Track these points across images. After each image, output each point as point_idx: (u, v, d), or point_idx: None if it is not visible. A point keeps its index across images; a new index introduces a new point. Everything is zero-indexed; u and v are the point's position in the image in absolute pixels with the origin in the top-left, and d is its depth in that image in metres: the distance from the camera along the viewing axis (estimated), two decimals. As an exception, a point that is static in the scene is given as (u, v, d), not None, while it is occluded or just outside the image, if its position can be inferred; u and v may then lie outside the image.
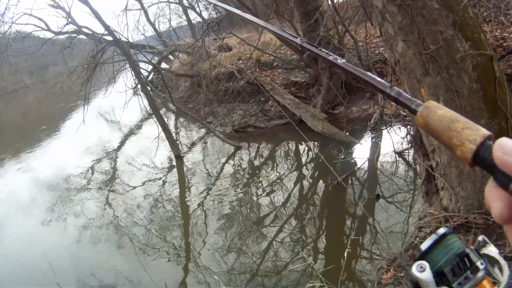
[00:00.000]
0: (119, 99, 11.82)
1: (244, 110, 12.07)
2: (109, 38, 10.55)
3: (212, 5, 20.84)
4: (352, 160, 7.83)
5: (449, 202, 3.70)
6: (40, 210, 8.97)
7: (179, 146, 10.92)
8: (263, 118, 11.42)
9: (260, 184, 8.45)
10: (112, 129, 15.41)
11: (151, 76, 17.74)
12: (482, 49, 3.20)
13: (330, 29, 9.67)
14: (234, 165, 9.65)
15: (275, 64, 12.72)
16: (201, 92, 12.56)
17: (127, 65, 11.30)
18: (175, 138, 11.06)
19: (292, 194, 7.62)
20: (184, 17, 25.07)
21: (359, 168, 7.60)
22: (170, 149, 10.25)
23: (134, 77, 10.81)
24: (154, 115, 10.38)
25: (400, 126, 8.23)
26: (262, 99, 11.93)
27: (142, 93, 11.01)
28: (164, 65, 20.05)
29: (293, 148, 10.34)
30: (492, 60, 3.26)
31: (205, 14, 22.50)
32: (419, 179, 5.71)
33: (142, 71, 12.35)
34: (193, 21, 24.65)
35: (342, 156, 7.44)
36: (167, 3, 23.37)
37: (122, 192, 9.17)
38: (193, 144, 11.86)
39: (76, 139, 13.11)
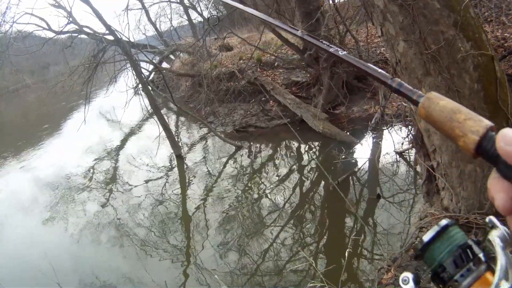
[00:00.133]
0: (120, 99, 11.82)
1: (245, 110, 12.07)
2: (110, 37, 10.55)
3: (212, 4, 20.85)
4: (353, 160, 7.83)
5: (450, 202, 3.69)
6: (41, 209, 8.98)
7: (180, 145, 10.92)
8: (264, 118, 11.42)
9: (260, 184, 8.45)
10: (113, 129, 15.41)
11: (152, 75, 17.76)
12: (483, 49, 3.20)
13: (331, 29, 9.67)
14: (235, 165, 9.65)
15: (276, 64, 12.71)
16: (202, 91, 12.55)
17: (128, 65, 11.30)
18: (176, 137, 11.06)
19: (292, 194, 7.62)
20: (185, 16, 25.12)
21: (360, 168, 7.60)
22: (171, 149, 10.25)
23: (135, 77, 10.81)
24: (155, 115, 10.38)
25: (401, 126, 8.22)
26: (263, 99, 11.92)
27: (143, 93, 11.01)
28: (165, 64, 20.03)
29: (294, 148, 10.33)
30: (493, 60, 3.26)
31: (206, 14, 22.50)
32: (419, 179, 5.71)
33: (143, 70, 12.38)
34: (194, 21, 24.68)
35: (343, 156, 7.43)
36: (168, 2, 23.43)
37: (123, 192, 9.17)
38: (194, 144, 11.87)
39: (77, 138, 13.11)
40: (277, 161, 9.62)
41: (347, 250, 3.99)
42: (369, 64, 0.73)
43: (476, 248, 0.67)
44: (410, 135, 7.38)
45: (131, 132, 14.53)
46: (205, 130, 12.01)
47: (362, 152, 8.48)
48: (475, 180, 3.46)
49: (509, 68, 7.50)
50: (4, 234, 8.39)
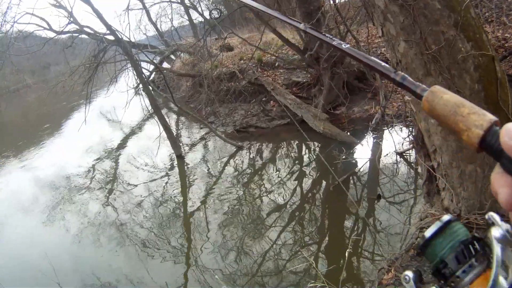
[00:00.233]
0: (121, 99, 11.83)
1: (246, 110, 12.07)
2: (111, 37, 10.55)
3: (213, 5, 20.87)
4: (354, 161, 7.82)
5: (450, 202, 3.69)
6: (41, 209, 8.98)
7: (181, 146, 10.92)
8: (264, 118, 11.42)
9: (261, 184, 8.45)
10: (113, 129, 15.41)
11: (152, 75, 17.77)
12: (484, 50, 3.20)
13: (332, 29, 9.66)
14: (235, 165, 9.65)
15: (276, 64, 12.72)
16: (203, 92, 12.55)
17: (129, 65, 11.30)
18: (176, 138, 11.06)
19: (293, 194, 7.62)
20: (186, 16, 25.11)
21: (361, 168, 7.60)
22: (172, 149, 10.25)
23: (136, 77, 10.81)
24: (155, 115, 10.38)
25: (402, 126, 8.23)
26: (264, 99, 11.93)
27: (143, 93, 11.02)
28: (165, 64, 20.04)
29: (295, 148, 10.33)
30: (494, 60, 3.26)
31: (206, 14, 22.53)
32: (420, 180, 5.71)
33: (143, 70, 12.38)
34: (194, 21, 24.68)
35: (344, 157, 7.43)
36: (169, 2, 23.43)
37: (123, 192, 9.17)
38: (194, 144, 11.87)
39: (78, 138, 13.11)
40: (277, 162, 9.61)
41: (348, 250, 3.98)
42: (372, 57, 0.73)
43: (478, 244, 0.66)
44: (411, 135, 7.39)
45: (132, 132, 14.53)
46: (205, 130, 12.00)
47: (362, 152, 8.48)
48: (475, 181, 3.46)
49: (510, 68, 7.51)
50: (4, 234, 8.39)
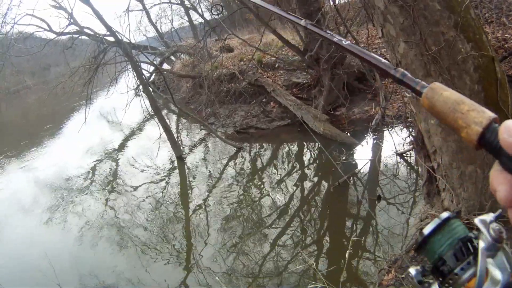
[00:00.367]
0: (121, 100, 11.83)
1: (246, 111, 12.07)
2: (111, 39, 10.56)
3: (213, 5, 20.85)
4: (354, 161, 7.82)
5: (451, 203, 3.69)
6: (41, 209, 8.98)
7: (181, 147, 10.92)
8: (264, 119, 11.43)
9: (261, 185, 8.45)
10: (113, 130, 15.42)
11: (153, 77, 17.77)
12: (484, 50, 3.20)
13: (332, 30, 9.65)
14: (235, 166, 9.65)
15: (276, 65, 12.72)
16: (203, 93, 12.56)
17: (129, 66, 11.31)
18: (176, 139, 11.06)
19: (293, 195, 7.62)
20: (186, 18, 25.17)
21: (361, 169, 7.60)
22: (172, 150, 10.25)
23: (136, 78, 10.81)
24: (155, 116, 10.38)
25: (402, 127, 8.23)
26: (264, 100, 11.93)
27: (143, 94, 11.02)
28: (166, 66, 20.08)
29: (295, 149, 10.34)
30: (494, 61, 3.26)
31: (206, 15, 22.55)
32: (420, 181, 5.71)
33: (144, 72, 12.38)
34: (194, 22, 24.74)
35: (344, 158, 7.43)
36: (169, 4, 23.46)
37: (123, 193, 9.17)
38: (194, 145, 11.87)
39: (78, 139, 13.12)
40: (277, 163, 9.62)
41: (348, 251, 3.98)
42: (372, 54, 0.73)
43: (477, 242, 0.65)
44: (411, 136, 7.39)
45: (132, 134, 14.54)
46: (205, 131, 12.01)
47: (362, 153, 8.49)
48: (475, 181, 3.46)
49: (510, 69, 7.51)
50: (4, 234, 8.39)
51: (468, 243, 0.66)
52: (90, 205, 8.77)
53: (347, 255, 3.96)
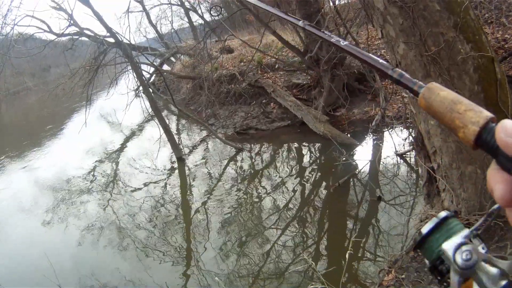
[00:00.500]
0: (121, 101, 11.84)
1: (246, 112, 12.07)
2: (111, 40, 10.58)
3: (212, 7, 20.86)
4: (354, 162, 7.82)
5: (451, 203, 3.70)
6: (41, 210, 8.97)
7: (181, 148, 10.93)
8: (265, 120, 11.43)
9: (261, 186, 8.45)
10: (114, 131, 15.42)
11: (153, 78, 17.79)
12: (484, 51, 3.21)
13: (332, 31, 9.67)
14: (235, 167, 9.65)
15: (277, 66, 12.73)
16: (203, 94, 12.57)
17: (129, 67, 11.32)
18: (176, 140, 11.06)
19: (293, 196, 7.62)
20: (186, 19, 25.17)
21: (361, 170, 7.60)
22: (172, 151, 10.25)
23: (136, 79, 10.82)
24: (155, 117, 10.39)
25: (402, 128, 8.24)
26: (264, 101, 11.94)
27: (143, 95, 11.02)
28: (166, 67, 20.08)
29: (295, 150, 10.34)
30: (494, 61, 3.26)
31: (206, 16, 22.57)
32: (420, 181, 5.71)
33: (144, 73, 12.39)
34: (194, 23, 24.75)
35: (344, 158, 7.44)
36: (169, 5, 23.45)
37: (123, 194, 9.16)
38: (194, 146, 11.88)
39: (78, 140, 13.11)
40: (278, 164, 9.62)
41: (348, 251, 3.99)
42: (370, 55, 0.73)
43: (476, 240, 0.66)
44: (411, 136, 7.40)
45: (132, 135, 14.54)
46: (206, 132, 12.01)
47: (362, 154, 8.49)
48: (475, 182, 3.47)
49: (510, 69, 7.52)
50: (5, 233, 8.38)
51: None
52: (90, 206, 8.77)
53: (347, 256, 3.96)
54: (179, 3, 23.56)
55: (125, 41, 10.38)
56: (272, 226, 6.62)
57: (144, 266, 6.06)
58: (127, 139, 14.10)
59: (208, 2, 23.65)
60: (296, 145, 10.44)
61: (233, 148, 10.16)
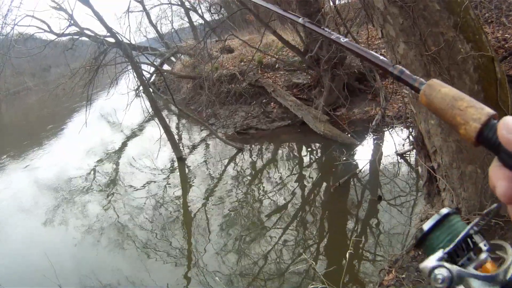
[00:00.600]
0: (121, 101, 11.84)
1: (246, 112, 12.08)
2: (111, 40, 10.58)
3: (213, 7, 20.89)
4: (354, 162, 7.82)
5: (451, 203, 3.70)
6: (42, 210, 8.97)
7: (181, 148, 10.93)
8: (265, 120, 11.43)
9: (262, 186, 8.45)
10: (114, 131, 15.43)
11: (153, 78, 17.78)
12: (484, 51, 3.21)
13: (332, 31, 9.66)
14: (236, 167, 9.65)
15: (277, 66, 12.73)
16: (203, 94, 12.57)
17: (129, 67, 11.32)
18: (177, 140, 11.06)
19: (294, 196, 7.62)
20: (186, 19, 25.16)
21: (361, 169, 7.60)
22: (172, 151, 10.25)
23: (136, 79, 10.83)
24: (156, 117, 10.39)
25: (402, 127, 8.23)
26: (264, 101, 11.94)
27: (144, 95, 11.02)
28: (166, 67, 20.08)
29: (295, 150, 10.34)
30: (494, 61, 3.26)
31: (207, 16, 22.57)
32: (420, 181, 5.71)
33: (144, 73, 12.39)
34: (195, 23, 24.73)
35: (344, 158, 7.44)
36: (169, 5, 23.44)
37: (124, 194, 9.16)
38: (195, 146, 11.88)
39: (78, 140, 13.11)
40: (278, 163, 9.62)
41: (348, 251, 3.99)
42: (370, 51, 0.73)
43: (477, 237, 0.66)
44: (411, 136, 7.40)
45: (132, 134, 14.54)
46: (206, 132, 12.02)
47: (363, 153, 8.48)
48: (475, 181, 3.47)
49: (510, 69, 7.51)
50: (5, 234, 8.38)
51: (468, 239, 0.66)
52: (90, 206, 8.77)
53: (347, 255, 3.97)
54: (179, 3, 23.56)
55: (125, 41, 10.39)
56: (273, 226, 6.62)
57: (145, 266, 6.06)
58: (128, 139, 14.10)
59: (208, 1, 23.65)
60: (296, 145, 10.44)
61: (233, 148, 10.16)
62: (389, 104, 8.78)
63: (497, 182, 0.50)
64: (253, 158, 10.03)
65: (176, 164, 10.18)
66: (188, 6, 23.81)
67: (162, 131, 9.98)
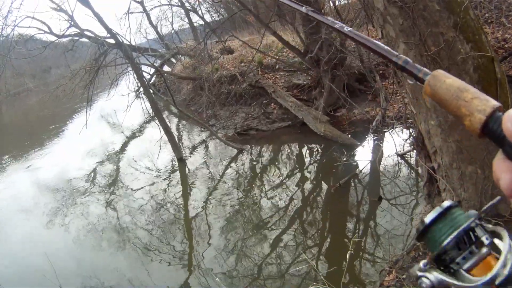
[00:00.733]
0: (122, 102, 11.85)
1: (247, 113, 12.08)
2: (112, 41, 10.58)
3: (213, 8, 20.90)
4: (355, 163, 7.82)
5: (451, 203, 3.69)
6: (42, 210, 8.98)
7: (182, 149, 10.93)
8: (265, 121, 11.43)
9: (262, 187, 8.45)
10: (114, 132, 15.44)
11: (153, 79, 17.79)
12: (483, 51, 3.21)
13: (332, 32, 9.68)
14: (236, 168, 9.65)
15: (277, 66, 12.74)
16: (203, 95, 12.58)
17: (130, 68, 11.34)
18: (177, 141, 11.07)
19: (294, 197, 7.61)
20: (186, 20, 25.19)
21: (362, 170, 7.60)
22: (173, 152, 10.25)
23: (137, 80, 10.84)
24: (156, 118, 10.39)
25: (402, 128, 8.23)
26: (265, 101, 11.95)
27: (144, 96, 11.04)
28: (166, 68, 20.09)
29: (295, 150, 10.34)
30: (493, 61, 3.26)
31: (207, 17, 22.59)
32: (421, 181, 5.71)
33: (144, 74, 12.40)
34: (195, 24, 24.75)
35: (344, 159, 7.44)
36: (169, 6, 23.46)
37: (124, 195, 9.17)
38: (195, 147, 11.88)
39: (79, 141, 13.12)
40: (278, 164, 9.62)
41: (349, 252, 3.98)
42: (374, 41, 0.72)
43: (479, 231, 0.65)
44: (411, 137, 7.40)
45: (133, 135, 14.55)
46: (206, 133, 12.02)
47: (363, 154, 8.48)
48: (476, 182, 3.46)
49: (510, 69, 7.51)
50: (5, 234, 8.39)
51: (470, 232, 0.65)
52: (91, 206, 8.78)
53: (348, 256, 3.96)
54: (180, 4, 23.59)
55: (125, 42, 10.39)
56: (273, 227, 6.62)
57: (145, 267, 6.06)
58: (128, 140, 14.10)
59: (208, 2, 23.65)
60: (296, 145, 10.44)
61: (233, 149, 10.16)
62: (389, 104, 8.78)
63: (501, 174, 0.50)
64: (254, 159, 10.03)
65: (176, 165, 10.18)
66: (188, 7, 23.87)
67: (163, 132, 9.98)
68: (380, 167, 7.24)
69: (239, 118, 12.04)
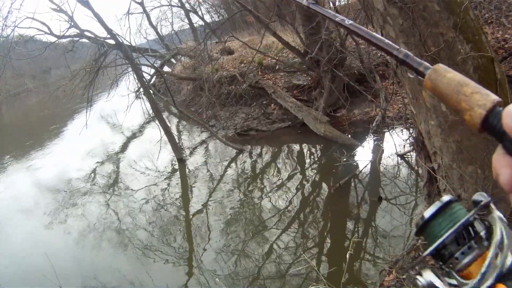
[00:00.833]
0: (122, 103, 11.85)
1: (247, 114, 12.08)
2: (112, 41, 10.59)
3: (213, 8, 20.90)
4: (355, 163, 7.83)
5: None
6: (42, 211, 8.99)
7: (182, 149, 10.93)
8: (265, 121, 11.43)
9: (262, 187, 8.45)
10: (114, 132, 15.44)
11: (153, 79, 17.78)
12: (483, 51, 3.21)
13: (332, 32, 9.69)
14: (236, 168, 9.65)
15: (277, 67, 12.73)
16: (204, 95, 12.57)
17: (130, 69, 11.35)
18: (177, 141, 11.07)
19: (294, 197, 7.62)
20: (186, 20, 25.20)
21: (362, 170, 7.60)
22: (173, 153, 10.25)
23: (137, 81, 10.84)
24: (156, 119, 10.40)
25: (402, 128, 8.23)
26: (265, 102, 11.94)
27: (144, 97, 11.04)
28: (166, 68, 20.08)
29: (295, 151, 10.34)
30: (493, 62, 3.26)
31: (207, 18, 22.60)
32: (421, 181, 5.71)
33: (144, 74, 12.40)
34: (195, 25, 24.76)
35: (345, 159, 7.44)
36: (169, 6, 23.47)
37: (124, 195, 9.17)
38: (195, 147, 11.88)
39: (79, 141, 13.12)
40: (278, 165, 9.62)
41: (349, 252, 3.99)
42: (375, 34, 0.72)
43: (478, 226, 0.65)
44: (411, 137, 7.39)
45: (133, 136, 14.55)
46: (206, 133, 12.03)
47: (363, 154, 8.48)
48: (476, 182, 3.46)
49: (510, 69, 7.51)
50: (6, 234, 8.39)
51: (469, 227, 0.65)
52: (91, 207, 8.78)
53: (348, 256, 3.96)
54: (180, 5, 23.60)
55: (125, 42, 10.40)
56: (273, 227, 6.62)
57: (145, 267, 6.06)
58: (128, 141, 14.11)
59: (208, 3, 23.67)
60: (296, 146, 10.44)
61: (233, 149, 10.16)
62: (389, 105, 8.77)
63: (500, 169, 0.49)
64: (254, 160, 10.03)
65: (176, 166, 10.19)
66: (188, 8, 23.88)
67: (163, 132, 9.99)
68: (380, 167, 7.24)
69: (239, 119, 12.04)
